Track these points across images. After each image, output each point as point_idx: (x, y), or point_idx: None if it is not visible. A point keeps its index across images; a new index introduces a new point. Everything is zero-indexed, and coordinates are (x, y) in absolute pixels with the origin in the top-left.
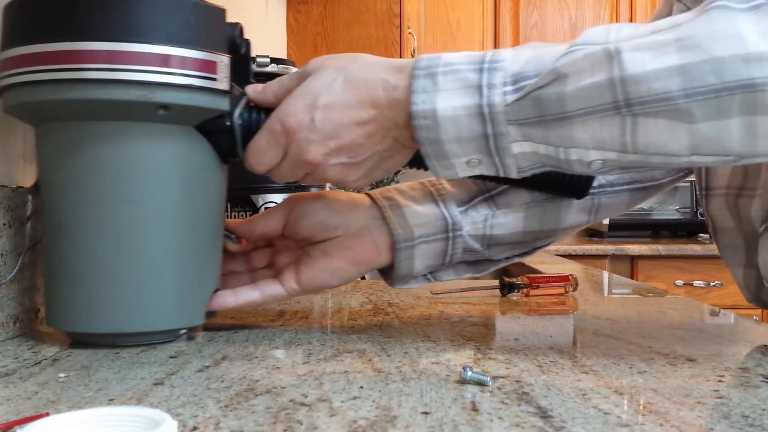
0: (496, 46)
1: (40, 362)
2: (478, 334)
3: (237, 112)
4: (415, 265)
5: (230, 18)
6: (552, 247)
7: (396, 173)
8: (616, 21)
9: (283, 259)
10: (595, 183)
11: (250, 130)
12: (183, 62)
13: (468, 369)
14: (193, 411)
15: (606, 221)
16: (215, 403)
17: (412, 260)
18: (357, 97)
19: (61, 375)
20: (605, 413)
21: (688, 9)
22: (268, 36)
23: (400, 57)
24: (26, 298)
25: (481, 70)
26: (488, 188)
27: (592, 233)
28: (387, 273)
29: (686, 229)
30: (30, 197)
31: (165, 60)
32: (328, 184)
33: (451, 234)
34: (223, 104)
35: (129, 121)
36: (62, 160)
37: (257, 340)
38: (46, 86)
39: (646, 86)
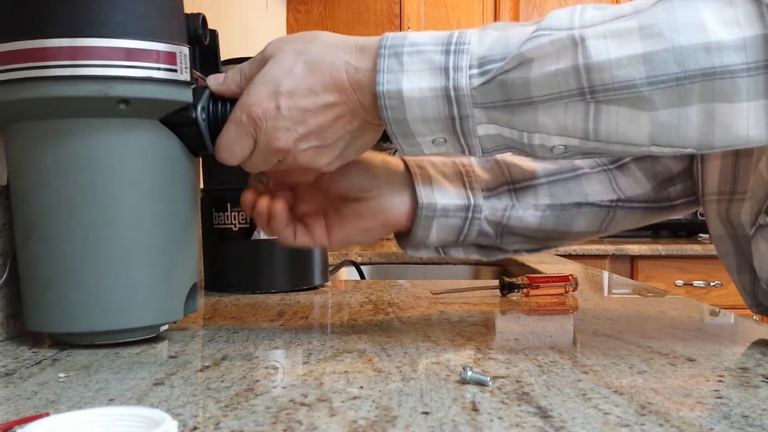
0: None
1: (40, 362)
2: (478, 334)
3: (200, 104)
4: (430, 236)
5: (230, 18)
6: None
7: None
8: None
9: (306, 207)
10: (614, 197)
11: (217, 122)
12: (140, 55)
13: (468, 369)
14: (193, 411)
15: None
16: (215, 403)
17: (429, 230)
18: (320, 81)
19: (61, 375)
20: (605, 413)
21: None
22: (268, 36)
23: None
24: None
25: (447, 52)
26: (514, 180)
27: None
28: (401, 237)
29: (686, 229)
30: None
31: (122, 53)
32: None
33: (470, 215)
34: (186, 96)
35: (92, 118)
36: (28, 160)
37: (257, 340)
38: (8, 86)
39: (609, 74)
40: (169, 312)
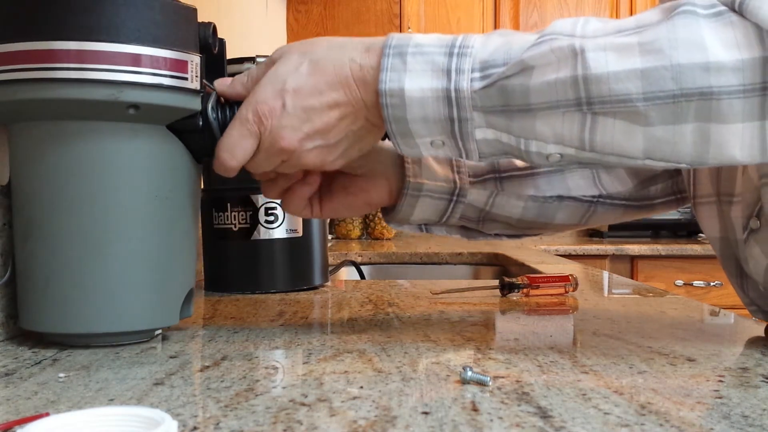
0: None
1: (40, 362)
2: (478, 334)
3: (210, 109)
4: (414, 213)
5: (230, 18)
6: (552, 247)
7: None
8: None
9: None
10: (596, 192)
11: (224, 127)
12: (153, 61)
13: (468, 369)
14: (193, 411)
15: None
16: (215, 403)
17: (413, 208)
18: (325, 79)
19: (61, 375)
20: (605, 413)
21: None
22: (268, 36)
23: None
24: None
25: (450, 54)
26: (501, 169)
27: (592, 233)
28: (387, 211)
29: (686, 229)
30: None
31: (134, 59)
32: None
33: (455, 198)
34: (195, 104)
35: (100, 121)
36: (33, 159)
37: (257, 340)
38: (16, 86)
39: (607, 87)
40: (165, 316)
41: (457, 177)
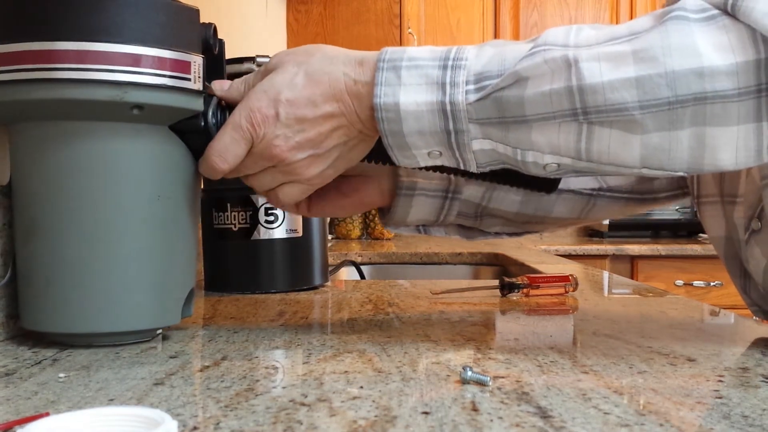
0: None
1: (40, 362)
2: (478, 334)
3: (210, 112)
4: (410, 213)
5: (230, 18)
6: (552, 247)
7: None
8: (616, 22)
9: None
10: (596, 185)
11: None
12: (156, 62)
13: (468, 369)
14: (193, 411)
15: (606, 221)
16: (215, 403)
17: (409, 208)
18: (320, 91)
19: (61, 375)
20: (605, 413)
21: None
22: (268, 36)
23: None
24: None
25: (444, 67)
26: None
27: (592, 233)
28: (384, 213)
29: (686, 229)
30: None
31: (138, 60)
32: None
33: (450, 195)
34: (197, 104)
35: (102, 121)
36: (34, 159)
37: (257, 340)
38: (18, 86)
39: (602, 96)
40: (166, 316)
41: (451, 174)
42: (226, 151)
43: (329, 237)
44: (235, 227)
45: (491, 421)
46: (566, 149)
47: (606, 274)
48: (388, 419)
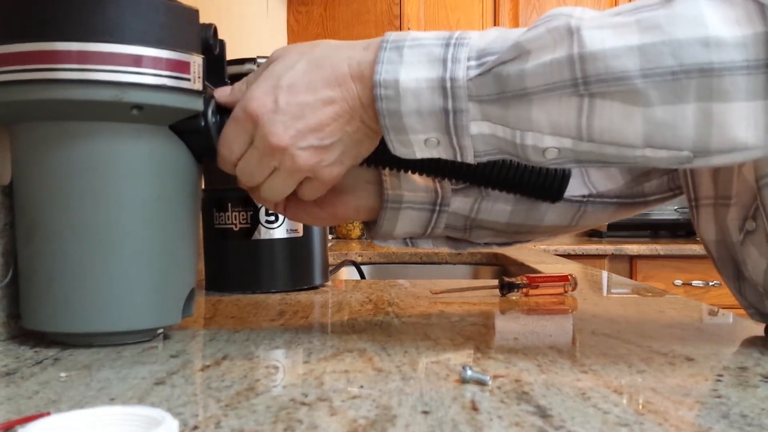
0: None
1: (41, 362)
2: (477, 333)
3: (210, 112)
4: (396, 227)
5: (231, 19)
6: (551, 247)
7: None
8: None
9: None
10: (586, 192)
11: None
12: (156, 62)
13: (468, 368)
14: (193, 410)
15: None
16: (216, 403)
17: (395, 222)
18: (321, 75)
19: (63, 374)
20: (605, 413)
21: None
22: (268, 37)
23: None
24: None
25: (447, 45)
26: None
27: (591, 233)
28: (370, 227)
29: (685, 229)
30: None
31: (137, 60)
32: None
33: (438, 207)
34: (197, 104)
35: (102, 121)
36: (35, 160)
37: (258, 340)
38: (18, 87)
39: (603, 63)
40: (167, 316)
41: (438, 186)
42: (231, 144)
43: (329, 237)
44: (235, 227)
45: (491, 420)
46: (567, 127)
47: (605, 274)
48: (388, 418)
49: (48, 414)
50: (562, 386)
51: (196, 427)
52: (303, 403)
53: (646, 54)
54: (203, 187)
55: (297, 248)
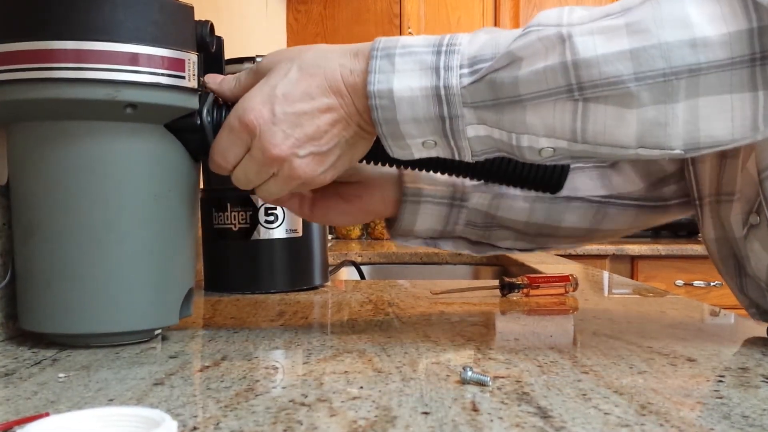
0: None
1: (40, 362)
2: (478, 334)
3: (206, 110)
4: (417, 222)
5: (230, 18)
6: None
7: None
8: None
9: None
10: (605, 193)
11: (218, 128)
12: (150, 60)
13: (468, 369)
14: (192, 411)
15: None
16: (215, 403)
17: (416, 216)
18: (316, 83)
19: (61, 375)
20: (605, 413)
21: None
22: (268, 36)
23: None
24: None
25: (438, 53)
26: None
27: None
28: (391, 224)
29: (686, 229)
30: None
31: (132, 58)
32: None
33: (457, 202)
34: (193, 102)
35: (98, 120)
36: (31, 160)
37: (257, 340)
38: (14, 86)
39: (597, 70)
40: (166, 316)
41: (457, 180)
42: (225, 152)
43: (329, 237)
44: (235, 227)
45: (491, 421)
46: (561, 130)
47: (606, 274)
48: (388, 419)
49: (47, 415)
50: (563, 387)
51: (195, 428)
52: (302, 404)
53: (637, 58)
54: (202, 187)
55: (296, 248)
